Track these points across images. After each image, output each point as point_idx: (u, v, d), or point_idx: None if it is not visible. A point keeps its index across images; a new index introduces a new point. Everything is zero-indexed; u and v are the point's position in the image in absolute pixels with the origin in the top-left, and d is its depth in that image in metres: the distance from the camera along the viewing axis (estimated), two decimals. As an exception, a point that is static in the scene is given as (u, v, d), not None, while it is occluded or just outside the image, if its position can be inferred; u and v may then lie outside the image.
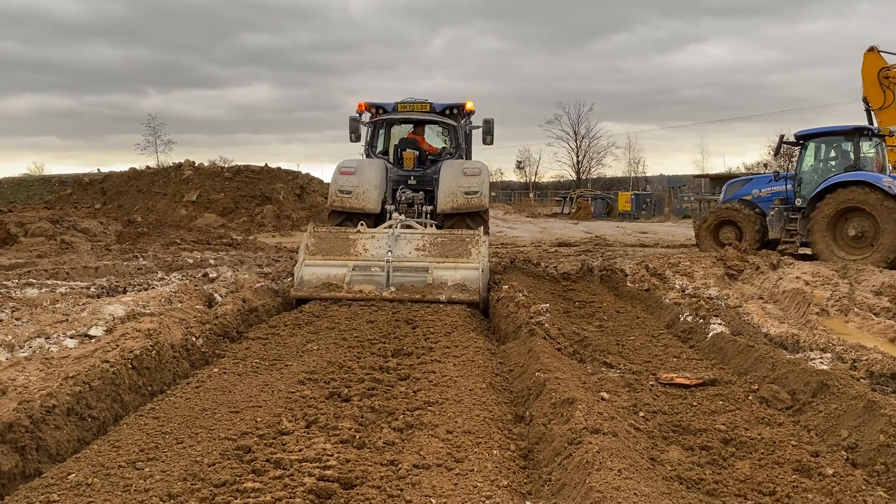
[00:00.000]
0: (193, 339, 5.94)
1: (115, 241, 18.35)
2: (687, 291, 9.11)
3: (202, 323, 6.45)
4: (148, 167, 32.21)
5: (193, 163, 30.52)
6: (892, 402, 4.38)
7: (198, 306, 7.49)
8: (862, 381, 5.04)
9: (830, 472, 3.78)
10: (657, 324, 7.89)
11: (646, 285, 9.92)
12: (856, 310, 8.08)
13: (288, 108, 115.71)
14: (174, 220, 25.73)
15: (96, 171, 32.51)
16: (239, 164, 30.80)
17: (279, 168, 30.57)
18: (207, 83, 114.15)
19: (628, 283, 10.64)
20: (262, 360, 5.72)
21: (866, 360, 5.58)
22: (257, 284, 8.91)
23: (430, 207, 11.27)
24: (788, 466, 3.81)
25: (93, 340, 5.65)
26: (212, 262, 13.78)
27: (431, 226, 10.57)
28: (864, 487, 3.59)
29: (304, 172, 31.59)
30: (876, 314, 8.06)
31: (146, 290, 9.06)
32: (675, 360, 6.17)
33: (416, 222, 10.35)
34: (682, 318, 7.59)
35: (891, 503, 3.47)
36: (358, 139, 12.21)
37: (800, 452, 3.98)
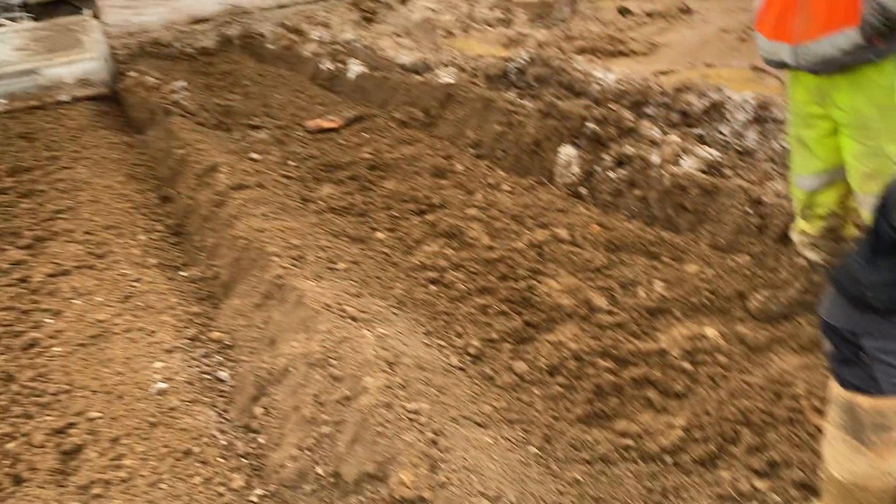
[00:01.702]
0: None
1: None
2: (325, 41, 9.00)
3: None
4: None
5: None
6: (504, 96, 4.89)
7: None
8: (480, 85, 5.51)
9: (461, 168, 4.20)
10: (301, 78, 7.76)
11: (285, 42, 9.62)
12: (475, 26, 8.69)
13: None
14: None
15: None
16: None
17: None
18: None
19: (269, 45, 10.22)
20: None
21: (483, 65, 6.08)
22: None
23: (17, -1, 9.40)
24: (427, 173, 4.14)
25: None
26: None
27: (25, 20, 8.90)
28: (487, 172, 4.06)
29: None
30: (492, 26, 8.75)
31: None
32: (321, 107, 6.18)
33: (4, 18, 8.64)
34: (323, 67, 7.54)
35: (504, 177, 3.98)
36: None
37: (435, 159, 4.33)
